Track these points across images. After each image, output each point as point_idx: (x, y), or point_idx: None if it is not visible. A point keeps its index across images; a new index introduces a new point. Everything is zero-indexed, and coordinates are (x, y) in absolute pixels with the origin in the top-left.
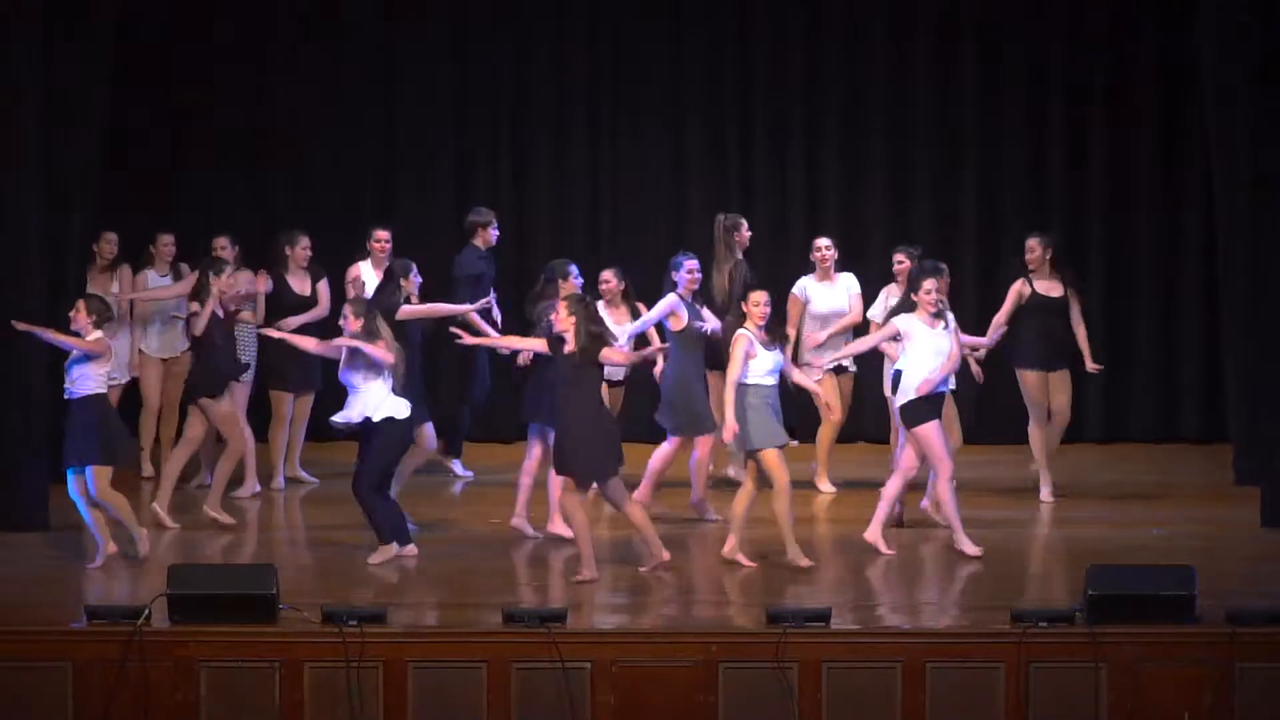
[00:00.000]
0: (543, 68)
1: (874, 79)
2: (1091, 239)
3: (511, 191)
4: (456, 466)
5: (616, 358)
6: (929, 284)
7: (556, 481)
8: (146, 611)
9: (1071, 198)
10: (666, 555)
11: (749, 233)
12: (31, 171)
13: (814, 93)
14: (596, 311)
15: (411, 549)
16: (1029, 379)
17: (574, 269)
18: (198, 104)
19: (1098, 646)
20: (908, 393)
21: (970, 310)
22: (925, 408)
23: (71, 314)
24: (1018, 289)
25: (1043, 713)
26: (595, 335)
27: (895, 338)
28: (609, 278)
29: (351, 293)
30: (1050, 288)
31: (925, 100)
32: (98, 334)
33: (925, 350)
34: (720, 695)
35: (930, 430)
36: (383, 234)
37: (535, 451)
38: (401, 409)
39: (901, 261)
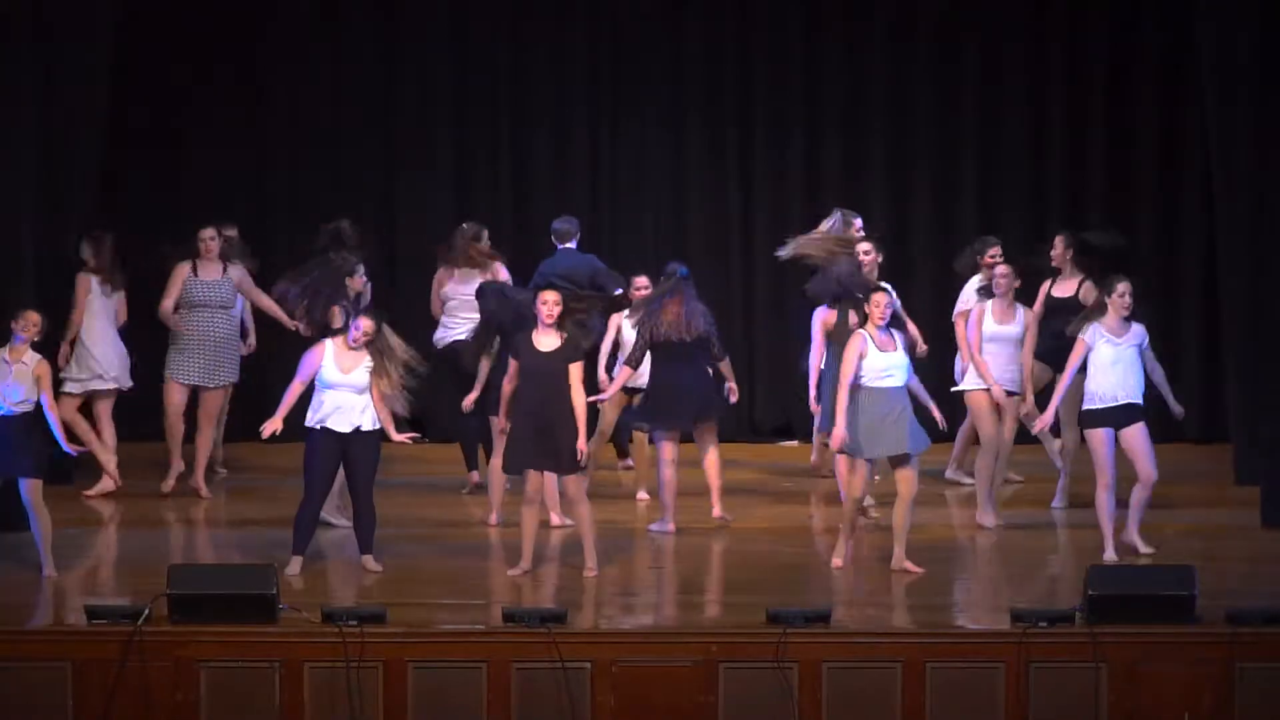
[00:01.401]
0: (543, 68)
1: (874, 79)
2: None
3: (511, 191)
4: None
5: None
6: (1123, 287)
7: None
8: (146, 611)
9: (1071, 198)
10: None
11: (861, 233)
12: (31, 172)
13: (814, 93)
14: (586, 316)
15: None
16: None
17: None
18: (198, 104)
19: (1098, 646)
20: (1091, 400)
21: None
22: (1099, 415)
23: (16, 324)
24: (1042, 290)
25: (1043, 713)
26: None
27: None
28: (644, 284)
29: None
30: (1067, 288)
31: (925, 100)
32: (36, 356)
33: (1106, 359)
34: (720, 695)
35: (1096, 437)
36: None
37: (665, 454)
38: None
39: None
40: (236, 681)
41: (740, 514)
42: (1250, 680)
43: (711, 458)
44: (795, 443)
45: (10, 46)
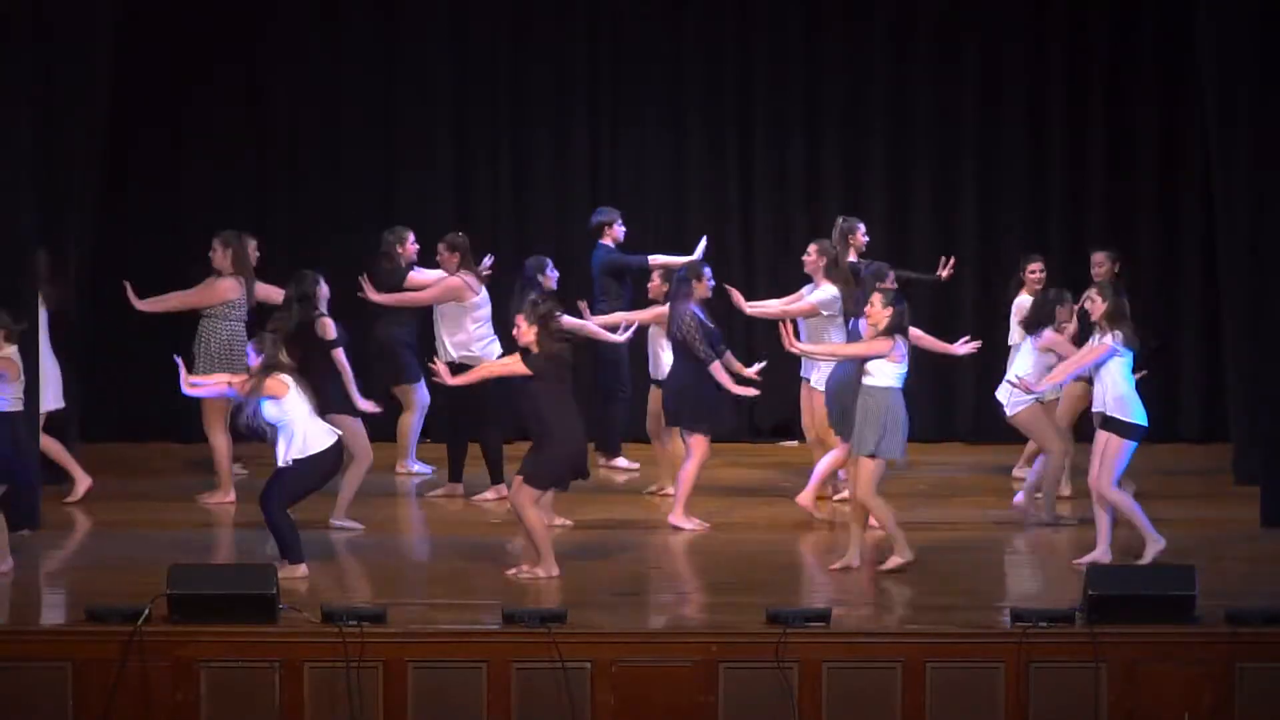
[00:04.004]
0: (543, 68)
1: (874, 79)
2: (1092, 239)
3: (511, 191)
4: (622, 462)
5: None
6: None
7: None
8: (146, 611)
9: (1071, 197)
10: (556, 570)
11: (865, 237)
12: (30, 171)
13: (814, 92)
14: (558, 323)
15: (303, 569)
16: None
17: (708, 271)
18: (198, 104)
19: (1098, 646)
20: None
21: (968, 310)
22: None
23: None
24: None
25: (1043, 713)
26: (556, 349)
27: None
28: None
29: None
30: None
31: (925, 100)
32: (9, 350)
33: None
34: (720, 695)
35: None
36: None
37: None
38: (325, 439)
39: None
40: (236, 681)
41: (740, 514)
42: (1250, 680)
43: (684, 466)
44: (795, 443)
45: (10, 46)
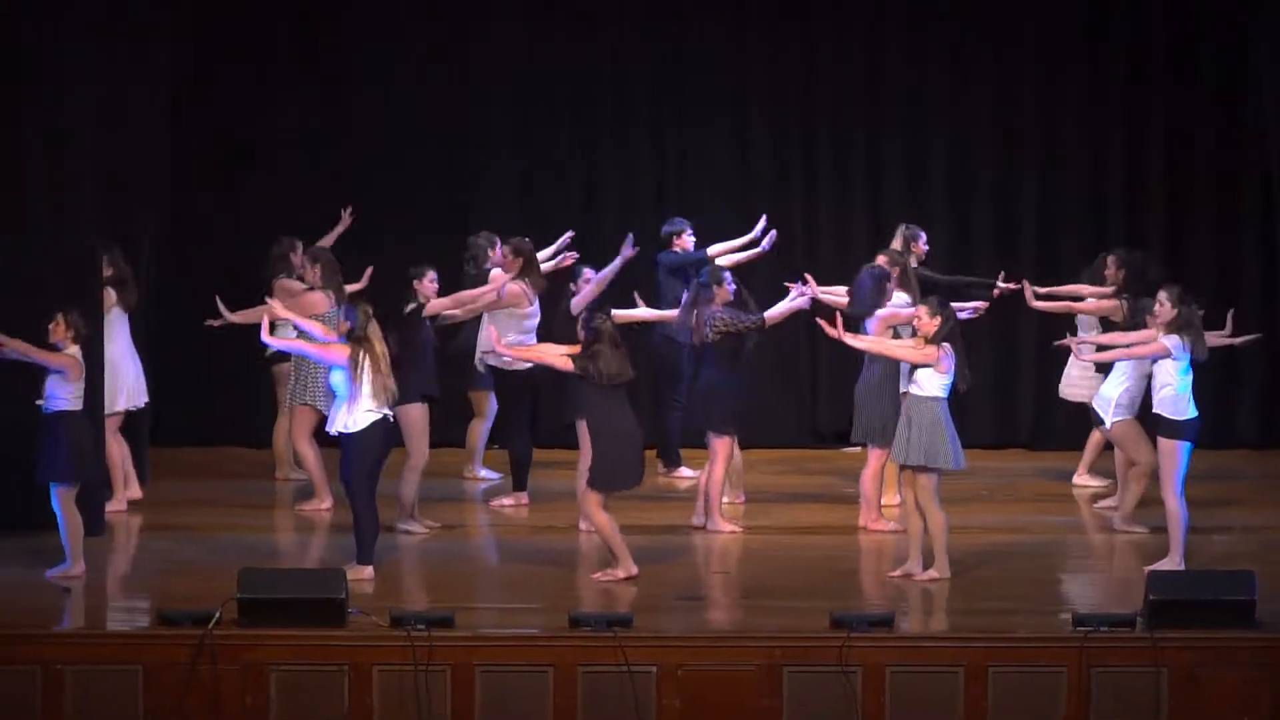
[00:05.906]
0: (606, 73)
1: (933, 83)
2: (1153, 243)
3: (583, 195)
4: (685, 472)
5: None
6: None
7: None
8: (217, 615)
9: (1132, 200)
10: (635, 569)
11: (926, 245)
12: (99, 170)
13: (874, 95)
14: (610, 335)
15: (369, 571)
16: None
17: (729, 275)
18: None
19: (1159, 651)
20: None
21: (1029, 311)
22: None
23: (50, 326)
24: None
25: (1104, 717)
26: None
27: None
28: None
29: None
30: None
31: (983, 99)
32: (73, 349)
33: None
34: (784, 699)
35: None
36: None
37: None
38: (370, 417)
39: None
40: (306, 685)
41: (804, 519)
42: None
43: (707, 471)
44: (857, 448)
45: (79, 43)
